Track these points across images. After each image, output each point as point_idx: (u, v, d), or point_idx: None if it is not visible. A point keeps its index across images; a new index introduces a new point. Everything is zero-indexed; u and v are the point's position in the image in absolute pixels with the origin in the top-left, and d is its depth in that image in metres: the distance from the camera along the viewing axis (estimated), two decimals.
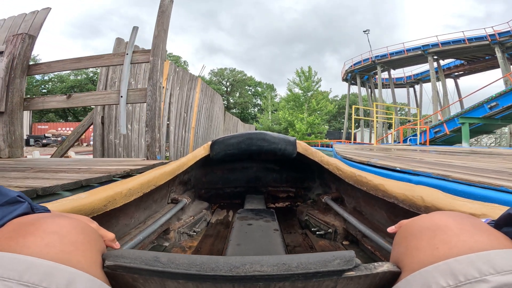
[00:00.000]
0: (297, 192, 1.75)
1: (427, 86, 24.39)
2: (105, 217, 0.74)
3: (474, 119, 8.62)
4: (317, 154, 1.36)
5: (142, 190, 0.90)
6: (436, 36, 17.21)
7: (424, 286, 0.29)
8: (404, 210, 0.73)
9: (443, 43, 16.85)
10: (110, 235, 0.45)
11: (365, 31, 23.88)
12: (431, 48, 17.26)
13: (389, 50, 19.73)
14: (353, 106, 8.21)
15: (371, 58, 20.58)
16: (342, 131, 34.76)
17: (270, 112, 31.98)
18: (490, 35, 15.08)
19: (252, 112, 42.07)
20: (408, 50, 18.50)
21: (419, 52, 17.79)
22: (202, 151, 1.40)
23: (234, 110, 40.17)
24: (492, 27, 15.13)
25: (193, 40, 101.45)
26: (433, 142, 10.05)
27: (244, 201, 1.52)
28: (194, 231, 1.20)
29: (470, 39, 15.98)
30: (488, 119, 8.60)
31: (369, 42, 23.04)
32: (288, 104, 23.54)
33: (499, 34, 14.78)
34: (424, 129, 10.78)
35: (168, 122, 4.48)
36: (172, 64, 4.72)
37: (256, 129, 25.07)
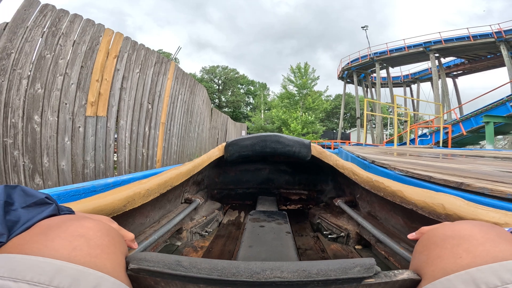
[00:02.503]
0: (309, 194, 1.72)
1: (423, 86, 23.76)
2: (123, 217, 0.75)
3: (498, 118, 7.59)
4: (331, 158, 1.32)
5: (159, 190, 0.91)
6: (439, 32, 16.32)
7: None
8: (421, 217, 0.70)
9: (446, 40, 15.97)
10: (130, 235, 0.45)
11: (363, 27, 23.03)
12: (433, 45, 16.37)
13: (389, 47, 18.77)
14: (365, 100, 7.06)
15: (370, 54, 19.58)
16: (335, 131, 33.87)
17: (262, 111, 30.84)
18: (496, 33, 14.22)
19: (245, 111, 40.85)
20: (409, 47, 17.57)
21: (421, 49, 16.88)
22: (216, 152, 1.38)
23: (226, 109, 38.94)
24: (498, 24, 14.28)
25: (179, 34, 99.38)
26: (445, 144, 8.98)
27: (256, 203, 1.50)
28: (206, 231, 1.19)
29: (475, 36, 15.12)
30: None
31: (368, 39, 22.16)
32: (282, 102, 22.40)
33: (505, 31, 13.93)
34: (437, 128, 9.73)
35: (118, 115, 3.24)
36: (129, 38, 3.49)
37: (248, 128, 23.97)
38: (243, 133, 20.20)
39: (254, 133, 27.46)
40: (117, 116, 3.20)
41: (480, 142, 12.79)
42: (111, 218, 0.46)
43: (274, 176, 1.76)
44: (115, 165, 3.22)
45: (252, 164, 1.74)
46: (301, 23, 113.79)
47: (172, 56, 7.17)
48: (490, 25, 14.49)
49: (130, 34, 3.64)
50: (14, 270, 0.26)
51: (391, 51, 18.50)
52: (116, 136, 3.27)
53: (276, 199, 1.60)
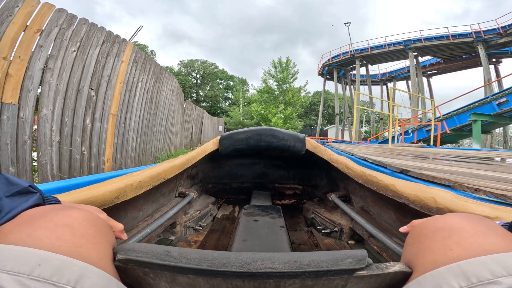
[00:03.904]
0: (303, 189, 1.70)
1: (399, 84, 24.00)
2: (114, 210, 0.73)
3: (485, 116, 7.38)
4: (326, 152, 1.31)
5: (151, 183, 0.90)
6: (419, 31, 16.33)
7: (436, 287, 0.29)
8: (413, 211, 0.71)
9: (426, 39, 15.99)
10: (119, 225, 0.44)
11: (346, 23, 22.76)
12: (412, 43, 16.36)
13: (370, 44, 18.61)
14: (355, 92, 6.60)
15: (351, 51, 19.34)
16: (312, 127, 33.72)
17: (241, 106, 30.12)
18: (475, 32, 14.31)
19: (223, 105, 39.84)
20: (389, 45, 17.48)
21: (401, 47, 16.83)
22: (211, 146, 1.36)
23: (204, 104, 37.76)
24: (478, 24, 14.39)
25: (153, 25, 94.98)
26: (425, 142, 8.75)
27: (251, 197, 1.49)
28: (200, 226, 1.19)
29: (454, 36, 15.21)
30: (498, 117, 7.41)
31: (349, 35, 21.96)
32: (262, 97, 21.78)
33: (484, 31, 14.05)
34: (419, 125, 9.49)
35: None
36: (63, 11, 2.74)
37: (225, 123, 23.20)
38: (221, 128, 19.44)
39: (232, 128, 26.49)
40: (37, 105, 2.44)
41: (459, 140, 12.85)
42: (102, 210, 0.45)
43: (269, 171, 1.74)
44: (34, 169, 2.45)
45: (246, 158, 1.72)
46: (282, 17, 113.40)
47: (132, 36, 6.28)
48: (470, 25, 14.60)
49: (99, 22, 3.02)
50: None
51: (372, 48, 18.35)
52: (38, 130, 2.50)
53: (270, 194, 1.59)
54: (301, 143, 1.36)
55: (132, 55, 4.12)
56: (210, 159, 1.52)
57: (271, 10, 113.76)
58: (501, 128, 14.56)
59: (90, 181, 0.89)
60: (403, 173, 1.16)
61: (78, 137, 2.97)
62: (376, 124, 21.31)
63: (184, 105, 10.23)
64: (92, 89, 3.14)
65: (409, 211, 0.74)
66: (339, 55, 20.66)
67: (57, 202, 0.40)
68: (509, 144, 16.92)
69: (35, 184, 0.40)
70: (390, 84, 24.51)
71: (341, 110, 24.91)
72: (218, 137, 1.39)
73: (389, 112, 5.58)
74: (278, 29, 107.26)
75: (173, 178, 1.12)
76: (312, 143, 1.37)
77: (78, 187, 0.79)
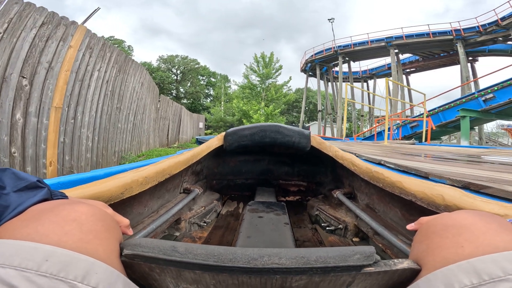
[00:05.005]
0: (308, 186, 1.69)
1: (379, 82, 24.16)
2: (120, 205, 0.73)
3: (473, 112, 7.26)
4: (331, 149, 1.29)
5: (157, 178, 0.89)
6: (401, 28, 16.36)
7: (447, 285, 0.28)
8: (420, 208, 0.69)
9: (407, 36, 16.06)
10: (125, 221, 0.44)
11: (330, 19, 22.62)
12: (394, 40, 16.37)
13: (353, 41, 18.49)
14: (346, 84, 6.31)
15: (334, 47, 19.17)
16: (294, 124, 33.62)
17: (223, 102, 29.50)
18: (455, 30, 14.43)
19: (204, 102, 38.98)
20: (372, 41, 17.44)
21: (383, 43, 16.80)
22: (215, 142, 1.34)
23: (184, 100, 36.72)
24: (458, 22, 14.52)
25: (131, 18, 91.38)
26: (410, 139, 8.60)
27: (255, 194, 1.49)
28: (205, 222, 1.19)
29: (434, 33, 15.31)
30: (485, 113, 7.34)
31: (333, 31, 21.81)
32: (244, 93, 21.26)
33: (464, 29, 14.19)
34: (400, 122, 9.33)
35: None
36: None
37: (206, 120, 22.55)
38: (201, 125, 18.82)
39: (213, 125, 25.74)
40: None
41: (442, 137, 12.90)
42: (108, 205, 0.43)
43: (273, 167, 1.73)
44: None
45: (251, 154, 1.71)
46: (266, 12, 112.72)
47: (85, 19, 5.62)
48: (450, 23, 14.69)
49: (68, 14, 2.58)
50: (1, 255, 0.25)
51: (355, 44, 18.24)
52: None
53: (275, 190, 1.58)
54: (306, 140, 1.34)
55: (84, 40, 3.54)
56: (215, 155, 1.51)
57: (255, 6, 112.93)
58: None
59: (95, 176, 0.86)
60: (468, 188, 0.81)
61: (4, 135, 2.40)
62: (357, 121, 21.34)
63: (159, 100, 9.59)
64: (24, 77, 2.56)
65: (416, 208, 0.73)
66: (322, 51, 20.47)
67: (64, 197, 0.39)
68: (485, 141, 17.31)
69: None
70: (370, 81, 24.65)
71: (323, 107, 24.83)
72: (223, 133, 1.37)
73: (386, 110, 5.26)
74: (261, 25, 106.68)
75: (178, 174, 1.11)
76: (317, 140, 1.36)
77: (84, 182, 0.75)
